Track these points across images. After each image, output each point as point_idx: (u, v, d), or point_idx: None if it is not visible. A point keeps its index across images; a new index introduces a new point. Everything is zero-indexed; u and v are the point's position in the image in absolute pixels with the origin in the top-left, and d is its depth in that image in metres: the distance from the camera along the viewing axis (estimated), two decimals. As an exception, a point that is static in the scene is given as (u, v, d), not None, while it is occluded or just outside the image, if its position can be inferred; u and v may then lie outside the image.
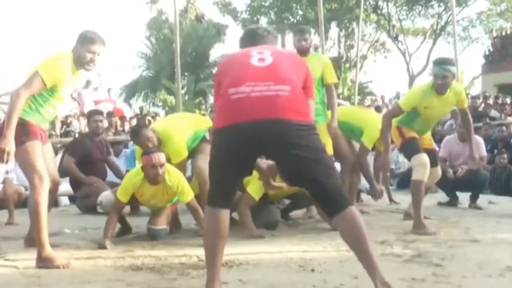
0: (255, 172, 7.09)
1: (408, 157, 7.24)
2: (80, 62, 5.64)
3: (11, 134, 5.22)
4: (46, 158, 5.68)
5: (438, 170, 7.71)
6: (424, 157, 6.95)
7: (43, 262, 5.24)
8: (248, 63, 4.04)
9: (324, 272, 4.85)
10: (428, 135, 7.58)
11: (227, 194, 4.19)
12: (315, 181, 3.89)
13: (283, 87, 3.86)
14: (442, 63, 6.96)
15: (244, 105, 3.87)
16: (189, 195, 6.58)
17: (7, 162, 5.45)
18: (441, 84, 6.85)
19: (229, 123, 3.91)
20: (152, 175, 6.36)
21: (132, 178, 6.56)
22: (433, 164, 7.43)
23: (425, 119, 7.15)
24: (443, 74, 6.84)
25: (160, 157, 6.39)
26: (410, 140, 7.16)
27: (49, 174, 5.57)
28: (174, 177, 6.52)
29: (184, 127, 7.36)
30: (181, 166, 7.09)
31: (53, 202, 6.51)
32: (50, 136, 6.37)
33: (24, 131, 5.39)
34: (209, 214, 4.20)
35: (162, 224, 6.66)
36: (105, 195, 7.10)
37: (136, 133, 7.18)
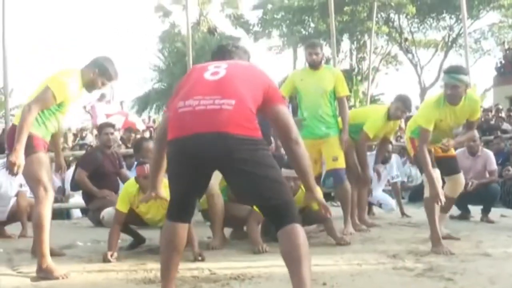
0: None
1: (421, 170, 7.11)
2: (89, 86, 5.90)
3: (21, 147, 5.31)
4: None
5: (460, 177, 7.45)
6: (436, 173, 6.78)
7: (43, 272, 5.38)
8: (201, 77, 4.06)
9: (336, 286, 4.86)
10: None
11: (183, 208, 4.18)
12: (260, 197, 3.90)
13: (228, 101, 3.83)
14: (453, 72, 6.59)
15: (188, 118, 3.88)
16: None
17: (17, 174, 5.50)
18: (450, 94, 6.52)
19: (175, 136, 3.93)
20: (145, 185, 6.27)
21: (128, 188, 6.61)
22: (454, 171, 7.30)
23: (440, 131, 6.89)
24: (453, 84, 6.49)
25: None
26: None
27: None
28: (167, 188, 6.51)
29: None
30: None
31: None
32: (62, 149, 6.43)
33: (29, 144, 5.47)
34: (166, 227, 4.21)
35: None
36: (108, 211, 7.09)
37: (138, 147, 7.24)
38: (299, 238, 3.79)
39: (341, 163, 7.80)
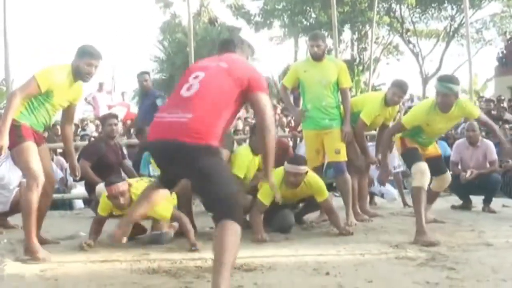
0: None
1: (409, 165, 7.15)
2: (78, 73, 6.08)
3: (5, 129, 5.57)
4: (43, 159, 6.02)
5: (447, 177, 7.79)
6: (423, 165, 6.88)
7: (28, 253, 5.73)
8: (178, 92, 4.60)
9: (339, 275, 4.88)
10: (434, 145, 7.59)
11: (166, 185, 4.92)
12: (202, 194, 4.64)
13: (185, 114, 4.36)
14: (445, 81, 6.87)
15: (159, 127, 4.51)
16: (166, 212, 6.58)
17: (1, 154, 5.79)
18: (441, 102, 6.78)
19: (149, 139, 4.56)
20: (115, 204, 6.48)
21: (104, 197, 6.66)
22: (441, 171, 7.55)
23: (428, 133, 7.16)
24: (444, 92, 6.74)
25: (119, 187, 6.44)
26: (411, 149, 7.17)
27: (46, 175, 5.91)
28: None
29: None
30: None
31: (49, 203, 6.70)
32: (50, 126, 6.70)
33: (18, 133, 5.74)
34: (153, 186, 4.96)
35: (163, 228, 6.76)
36: (101, 187, 7.14)
37: (141, 131, 7.27)
38: (225, 236, 4.15)
39: (343, 156, 7.81)
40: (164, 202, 6.61)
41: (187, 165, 4.32)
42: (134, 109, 23.13)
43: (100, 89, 20.94)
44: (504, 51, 36.75)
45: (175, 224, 6.84)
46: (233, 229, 4.18)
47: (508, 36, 37.19)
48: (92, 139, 12.74)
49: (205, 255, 5.76)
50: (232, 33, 43.14)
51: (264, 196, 6.97)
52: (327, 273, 4.96)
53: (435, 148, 7.63)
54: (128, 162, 10.21)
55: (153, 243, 6.59)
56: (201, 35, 40.75)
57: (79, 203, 11.65)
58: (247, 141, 11.05)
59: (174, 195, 6.96)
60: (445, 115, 6.88)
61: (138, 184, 6.64)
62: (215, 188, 4.25)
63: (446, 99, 6.76)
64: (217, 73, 4.57)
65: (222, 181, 4.30)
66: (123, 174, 9.49)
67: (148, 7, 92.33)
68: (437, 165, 7.46)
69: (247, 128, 16.54)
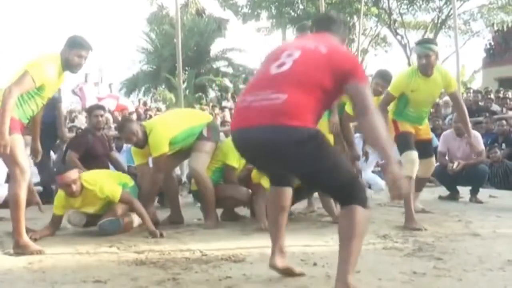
0: None
1: (400, 151, 7.13)
2: (68, 64, 6.00)
3: (5, 129, 5.46)
4: None
5: (432, 161, 7.85)
6: (414, 154, 6.99)
7: (20, 248, 5.67)
8: (267, 70, 4.15)
9: (326, 266, 4.88)
10: (425, 125, 7.60)
11: (278, 178, 4.59)
12: (317, 183, 4.23)
13: (279, 95, 3.93)
14: (424, 43, 7.16)
15: (243, 113, 4.09)
16: (116, 194, 6.69)
17: (4, 153, 5.60)
18: (425, 64, 6.88)
19: (232, 129, 4.26)
20: (67, 192, 6.59)
21: (60, 192, 6.76)
22: (428, 154, 7.59)
23: (415, 104, 7.18)
24: (426, 53, 6.88)
25: (69, 175, 6.55)
26: (404, 134, 7.18)
27: None
28: (91, 180, 6.73)
29: (174, 123, 7.32)
30: (161, 161, 7.10)
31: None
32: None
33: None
34: (271, 192, 4.64)
35: (108, 216, 6.74)
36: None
37: (121, 127, 7.24)
38: (355, 220, 3.89)
39: (330, 147, 7.83)
40: (112, 182, 6.70)
41: (289, 155, 3.89)
42: (124, 101, 23.14)
43: (86, 80, 20.90)
44: (492, 43, 36.86)
45: (135, 218, 6.90)
46: (361, 215, 3.93)
47: (496, 28, 37.27)
48: (80, 130, 12.72)
49: (193, 247, 5.78)
50: (213, 22, 43.28)
51: (267, 182, 6.98)
52: (315, 264, 4.97)
53: (427, 130, 7.66)
54: (116, 154, 10.22)
55: (102, 234, 6.60)
56: (188, 26, 40.78)
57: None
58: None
59: (128, 179, 7.09)
60: (428, 80, 6.98)
61: (89, 174, 6.88)
62: (334, 175, 3.98)
63: (428, 60, 6.88)
64: (314, 56, 4.15)
65: (338, 164, 4.04)
66: (110, 166, 9.52)
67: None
68: (426, 148, 7.52)
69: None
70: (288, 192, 4.60)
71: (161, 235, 6.41)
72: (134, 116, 17.44)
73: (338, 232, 3.98)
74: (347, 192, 3.97)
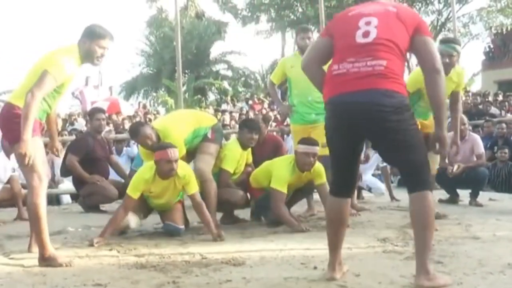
0: (273, 165, 7.18)
1: None
2: (89, 57, 5.55)
3: (29, 136, 5.08)
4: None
5: (436, 156, 7.67)
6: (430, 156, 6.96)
7: (46, 261, 5.27)
8: (353, 40, 4.31)
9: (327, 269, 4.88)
10: (430, 118, 7.59)
11: (344, 182, 4.59)
12: (399, 160, 4.35)
13: (379, 61, 4.17)
14: (450, 42, 7.09)
15: (342, 79, 4.26)
16: (194, 187, 6.68)
17: (29, 165, 5.21)
18: (448, 63, 6.78)
19: (330, 96, 4.35)
20: (166, 169, 6.45)
21: (144, 174, 6.59)
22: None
23: (427, 101, 7.12)
24: (449, 53, 6.90)
25: (176, 152, 6.48)
26: None
27: None
28: (182, 168, 6.62)
29: (183, 125, 7.33)
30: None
31: None
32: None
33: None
34: (331, 204, 4.63)
35: (181, 223, 6.82)
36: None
37: (135, 132, 7.21)
38: (428, 206, 4.21)
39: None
40: (194, 177, 6.72)
41: (388, 119, 4.13)
42: (122, 103, 23.13)
43: (86, 83, 20.93)
44: (491, 45, 36.89)
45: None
46: (431, 201, 4.24)
47: (494, 31, 37.30)
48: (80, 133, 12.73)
49: (193, 250, 5.78)
50: (213, 25, 43.34)
51: (279, 184, 7.01)
52: (315, 267, 4.96)
53: (432, 124, 7.64)
54: (116, 158, 10.23)
55: (169, 234, 6.69)
56: (188, 29, 40.81)
57: (66, 198, 11.65)
58: (232, 135, 11.08)
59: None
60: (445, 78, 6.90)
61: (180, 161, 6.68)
62: (418, 150, 4.26)
63: (451, 60, 6.90)
64: (390, 19, 4.36)
65: (418, 145, 4.29)
66: (110, 169, 9.54)
67: (135, 0, 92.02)
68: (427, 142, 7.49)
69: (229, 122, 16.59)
70: (348, 205, 4.68)
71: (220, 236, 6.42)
72: (137, 119, 17.47)
73: (412, 219, 4.31)
74: (424, 174, 4.27)
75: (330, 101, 4.37)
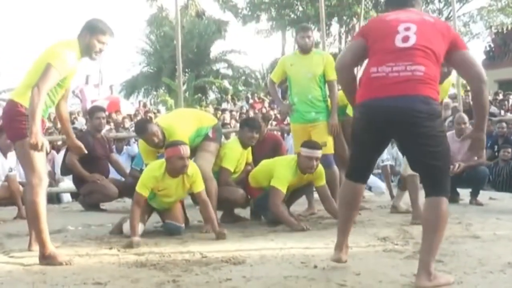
0: (274, 164, 7.18)
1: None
2: (88, 51, 5.54)
3: (37, 128, 5.02)
4: None
5: None
6: None
7: (46, 259, 5.24)
8: (392, 44, 4.42)
9: (327, 268, 4.88)
10: None
11: (363, 170, 4.75)
12: (424, 163, 4.40)
13: (419, 67, 4.28)
14: None
15: (382, 83, 4.35)
16: (201, 184, 6.70)
17: (42, 151, 5.20)
18: (446, 72, 6.88)
19: (366, 98, 4.43)
20: (178, 166, 6.44)
21: (154, 171, 6.57)
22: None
23: None
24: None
25: (187, 149, 6.51)
26: None
27: None
28: (190, 166, 6.62)
29: (187, 124, 7.35)
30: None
31: None
32: (51, 133, 6.19)
33: (27, 123, 5.15)
34: (347, 187, 4.79)
35: (181, 221, 6.84)
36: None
37: (142, 128, 7.19)
38: (441, 213, 4.35)
39: (330, 149, 7.86)
40: (200, 175, 6.75)
41: (422, 125, 4.26)
42: (123, 102, 23.12)
43: (87, 82, 20.90)
44: (492, 45, 36.88)
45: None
46: (445, 208, 4.38)
47: (495, 30, 37.30)
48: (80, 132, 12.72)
49: (193, 249, 5.79)
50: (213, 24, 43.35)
51: (280, 183, 7.01)
52: (315, 266, 4.96)
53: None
54: (116, 156, 10.22)
55: (170, 233, 6.71)
56: (188, 28, 40.83)
57: (66, 197, 11.65)
58: (233, 134, 11.08)
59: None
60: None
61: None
62: (438, 162, 4.38)
63: (450, 69, 6.91)
64: (427, 26, 4.51)
65: (445, 153, 4.44)
66: (111, 168, 9.53)
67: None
68: None
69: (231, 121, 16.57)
70: (362, 190, 4.90)
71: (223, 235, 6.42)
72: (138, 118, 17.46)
73: (423, 222, 4.44)
74: (444, 180, 4.44)
75: (366, 104, 4.46)
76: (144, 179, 6.56)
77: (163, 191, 6.63)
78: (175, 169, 6.49)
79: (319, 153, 7.05)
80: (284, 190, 7.00)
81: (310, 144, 7.14)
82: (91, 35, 5.51)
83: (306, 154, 7.02)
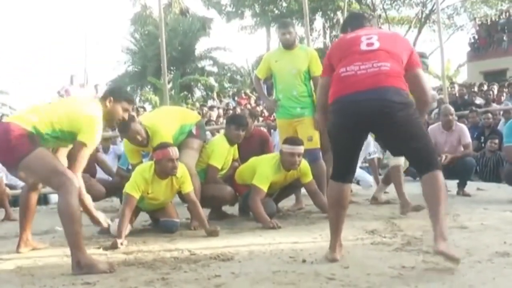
0: (257, 162, 7.19)
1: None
2: (110, 119, 5.52)
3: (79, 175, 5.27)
4: None
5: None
6: None
7: (85, 268, 4.88)
8: (358, 48, 4.73)
9: (315, 262, 4.89)
10: None
11: (346, 169, 4.87)
12: (409, 148, 4.63)
13: (384, 63, 4.57)
14: (421, 57, 7.15)
15: (352, 80, 4.59)
16: (189, 185, 6.70)
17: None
18: None
19: (338, 96, 4.65)
20: (168, 168, 6.46)
21: (144, 173, 6.55)
22: None
23: None
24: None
25: (176, 150, 6.54)
26: None
27: None
28: (180, 168, 6.64)
29: (170, 122, 7.32)
30: None
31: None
32: None
33: (32, 140, 5.06)
34: (333, 187, 4.92)
35: (176, 217, 6.88)
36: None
37: (125, 128, 7.16)
38: (440, 184, 4.55)
39: (316, 143, 7.87)
40: (189, 176, 6.76)
41: (397, 114, 4.46)
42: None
43: (71, 82, 20.81)
44: (476, 36, 37.02)
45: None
46: (441, 179, 4.58)
47: (479, 22, 37.42)
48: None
49: (181, 246, 5.79)
50: (197, 21, 43.34)
51: (261, 181, 7.02)
52: (304, 261, 4.96)
53: None
54: (103, 156, 10.18)
55: (167, 231, 6.70)
56: (172, 26, 40.75)
57: (54, 198, 11.59)
58: (220, 131, 11.07)
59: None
60: None
61: None
62: (424, 140, 4.61)
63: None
64: (387, 35, 4.90)
65: (424, 134, 4.67)
66: (97, 168, 9.49)
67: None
68: None
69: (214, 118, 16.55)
70: (349, 190, 5.01)
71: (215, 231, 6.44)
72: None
73: (425, 198, 4.60)
74: (432, 158, 4.64)
75: (339, 100, 4.65)
76: (136, 180, 6.53)
77: (151, 194, 6.64)
78: (165, 171, 6.50)
79: (301, 148, 7.06)
80: (265, 188, 7.02)
81: (291, 140, 7.15)
82: (116, 101, 5.50)
83: (287, 150, 7.04)
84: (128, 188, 6.50)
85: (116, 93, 5.56)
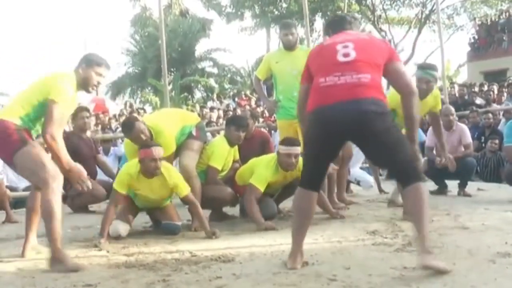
0: (256, 163, 7.18)
1: None
2: (85, 84, 5.58)
3: (72, 165, 5.40)
4: None
5: None
6: None
7: (58, 263, 5.08)
8: (335, 59, 4.70)
9: (316, 263, 4.88)
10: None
11: (316, 177, 4.83)
12: (389, 159, 4.61)
13: (364, 75, 4.54)
14: (427, 68, 7.20)
15: (331, 90, 4.56)
16: (185, 188, 6.68)
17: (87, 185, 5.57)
18: (424, 89, 7.01)
19: (317, 106, 4.62)
20: (151, 168, 6.48)
21: (129, 169, 6.62)
22: None
23: (401, 118, 7.16)
24: (427, 79, 7.05)
25: (160, 151, 6.52)
26: None
27: None
28: (167, 169, 6.65)
29: (172, 122, 7.35)
30: (169, 160, 7.13)
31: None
32: (38, 136, 6.06)
33: (21, 136, 5.21)
34: (300, 195, 4.85)
35: (178, 220, 6.86)
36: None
37: (130, 126, 7.15)
38: (422, 195, 4.48)
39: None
40: (182, 178, 6.75)
41: (376, 124, 4.45)
42: (109, 103, 23.03)
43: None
44: (476, 37, 37.01)
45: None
46: (424, 191, 4.51)
47: (479, 22, 37.41)
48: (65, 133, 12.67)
49: (182, 248, 5.78)
50: (198, 22, 43.34)
51: (258, 181, 7.01)
52: (305, 262, 4.96)
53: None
54: (104, 157, 10.17)
55: (170, 233, 6.68)
56: (172, 27, 40.75)
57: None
58: (221, 132, 11.06)
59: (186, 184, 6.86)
60: (421, 102, 6.87)
61: (164, 162, 6.68)
62: (400, 155, 4.53)
63: (428, 86, 7.07)
64: (363, 42, 4.83)
65: (403, 144, 4.59)
66: (98, 169, 9.48)
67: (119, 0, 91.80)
68: None
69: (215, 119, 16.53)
70: (315, 198, 4.87)
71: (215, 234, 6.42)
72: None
73: (408, 210, 4.72)
74: (413, 168, 4.57)
75: (318, 110, 4.62)
76: (120, 176, 6.66)
77: (139, 191, 6.69)
78: (148, 171, 6.53)
79: (297, 149, 7.04)
80: (261, 187, 7.01)
81: (288, 141, 7.13)
82: (88, 67, 5.58)
83: (284, 151, 7.02)
84: (114, 184, 6.64)
85: (87, 59, 5.66)
